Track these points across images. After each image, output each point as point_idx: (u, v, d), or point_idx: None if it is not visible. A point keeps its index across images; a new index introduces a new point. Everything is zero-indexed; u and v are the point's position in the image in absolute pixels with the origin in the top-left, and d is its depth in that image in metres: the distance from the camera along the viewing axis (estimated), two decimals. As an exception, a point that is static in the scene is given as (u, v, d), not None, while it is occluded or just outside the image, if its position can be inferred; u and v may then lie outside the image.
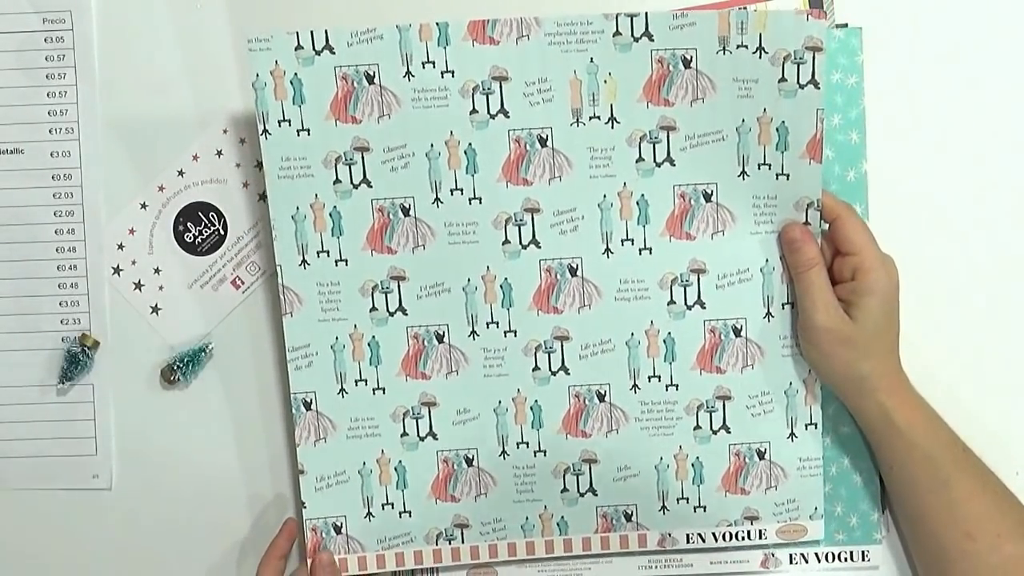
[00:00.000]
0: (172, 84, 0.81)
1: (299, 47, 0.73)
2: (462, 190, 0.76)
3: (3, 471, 0.83)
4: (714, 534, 0.80)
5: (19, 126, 0.81)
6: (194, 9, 0.81)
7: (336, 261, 0.76)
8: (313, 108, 0.74)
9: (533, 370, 0.78)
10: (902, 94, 0.80)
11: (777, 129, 0.74)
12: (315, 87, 0.74)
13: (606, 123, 0.75)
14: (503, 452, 0.79)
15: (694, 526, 0.80)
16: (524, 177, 0.76)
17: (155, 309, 0.83)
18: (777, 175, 0.75)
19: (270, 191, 0.75)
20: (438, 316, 0.77)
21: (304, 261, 0.76)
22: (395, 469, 0.79)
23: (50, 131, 0.81)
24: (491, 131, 0.75)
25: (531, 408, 0.79)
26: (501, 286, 0.77)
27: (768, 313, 0.77)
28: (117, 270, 0.82)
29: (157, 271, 0.82)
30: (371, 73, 0.74)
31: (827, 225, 0.76)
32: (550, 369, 0.78)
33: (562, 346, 0.78)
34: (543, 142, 0.75)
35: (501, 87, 0.74)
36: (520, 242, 0.76)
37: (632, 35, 0.73)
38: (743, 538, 0.80)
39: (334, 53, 0.73)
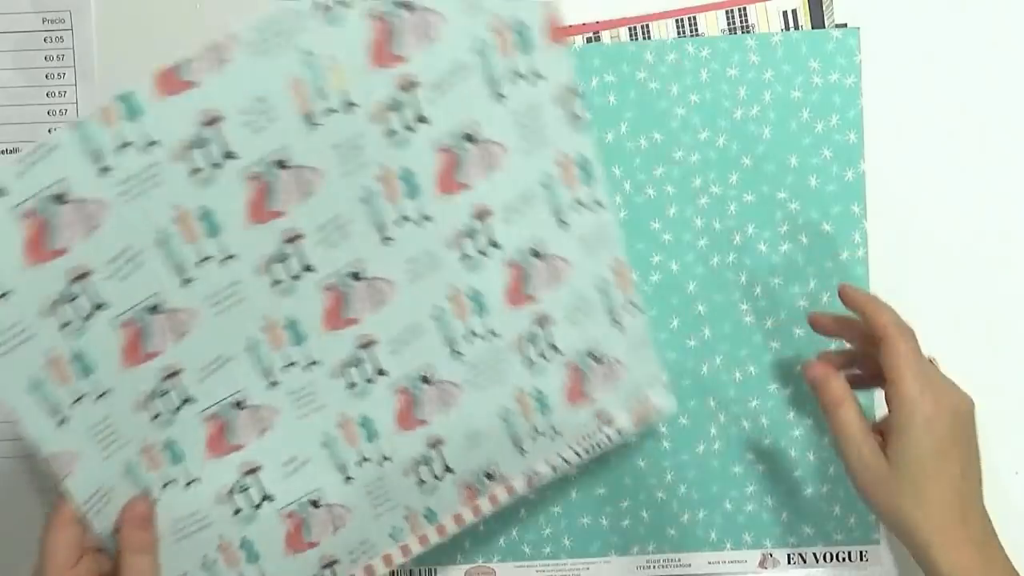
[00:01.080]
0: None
1: None
2: (209, 258, 0.66)
3: (3, 471, 0.83)
4: (575, 451, 0.76)
5: (19, 126, 0.82)
6: (194, 9, 0.81)
7: (96, 398, 0.66)
8: (5, 265, 0.62)
9: (349, 387, 0.72)
10: (899, 94, 0.81)
11: (513, 29, 0.67)
12: None
13: (345, 113, 0.66)
14: (347, 478, 0.74)
15: (554, 453, 0.76)
16: (273, 210, 0.67)
17: (154, 309, 0.82)
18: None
19: None
20: (230, 387, 0.70)
21: (63, 420, 0.66)
22: (240, 547, 0.73)
23: (50, 131, 0.81)
24: (220, 182, 0.65)
25: (361, 425, 0.73)
26: (285, 327, 0.70)
27: (561, 221, 0.72)
28: (116, 270, 0.82)
29: (156, 271, 0.82)
30: (60, 192, 0.62)
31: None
32: (367, 379, 0.72)
33: (371, 352, 0.72)
34: (282, 165, 0.66)
35: (218, 130, 0.64)
36: (290, 275, 0.68)
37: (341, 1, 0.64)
38: (604, 444, 0.76)
39: (7, 194, 0.61)
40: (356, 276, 0.70)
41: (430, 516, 0.75)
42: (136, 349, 0.66)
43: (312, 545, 0.74)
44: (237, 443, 0.71)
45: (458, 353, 0.73)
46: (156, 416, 0.68)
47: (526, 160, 0.70)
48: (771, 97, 0.80)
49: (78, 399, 0.66)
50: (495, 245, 0.72)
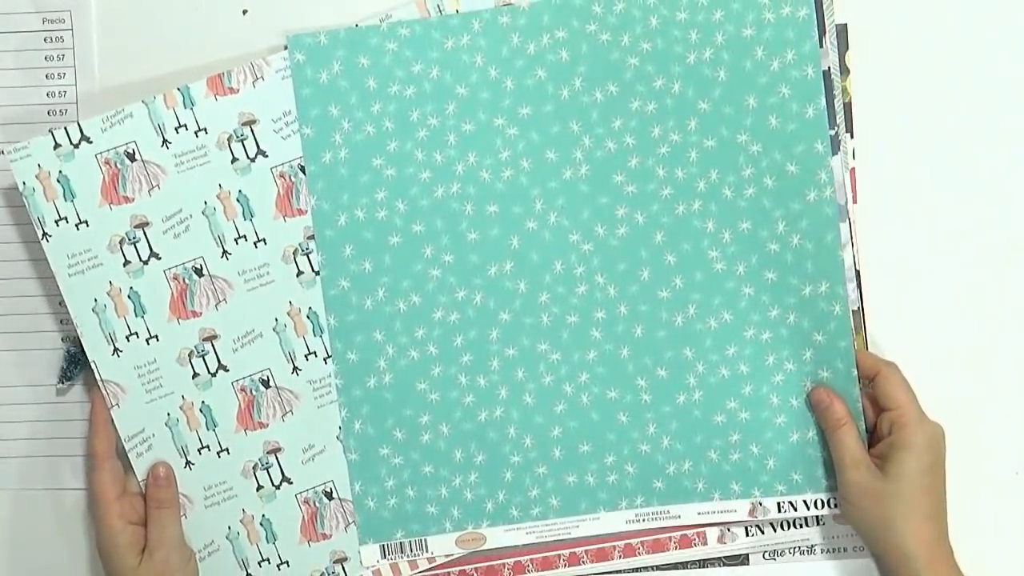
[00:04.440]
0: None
1: (57, 145, 0.79)
2: (245, 236, 0.80)
3: (3, 471, 0.86)
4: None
5: (19, 126, 0.84)
6: (194, 9, 0.85)
7: (147, 339, 0.81)
8: (85, 199, 0.79)
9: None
10: (890, 90, 0.83)
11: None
12: (82, 179, 0.79)
13: None
14: None
15: None
16: (298, 208, 0.81)
17: (153, 309, 0.85)
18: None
19: (64, 291, 0.80)
20: (260, 362, 0.81)
21: (116, 350, 0.80)
22: (260, 524, 0.80)
23: (50, 131, 0.81)
24: (255, 173, 0.81)
25: None
26: (308, 316, 0.82)
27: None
28: (115, 270, 0.84)
29: (155, 270, 0.85)
30: (131, 151, 0.79)
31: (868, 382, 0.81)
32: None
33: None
34: (304, 170, 0.81)
35: (252, 130, 0.80)
36: (312, 269, 0.82)
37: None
38: None
39: (91, 142, 0.79)
40: None
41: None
42: (182, 303, 0.81)
43: (325, 537, 0.81)
44: (263, 421, 0.79)
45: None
46: (195, 375, 0.81)
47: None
48: (723, 38, 0.80)
49: (132, 334, 0.80)
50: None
